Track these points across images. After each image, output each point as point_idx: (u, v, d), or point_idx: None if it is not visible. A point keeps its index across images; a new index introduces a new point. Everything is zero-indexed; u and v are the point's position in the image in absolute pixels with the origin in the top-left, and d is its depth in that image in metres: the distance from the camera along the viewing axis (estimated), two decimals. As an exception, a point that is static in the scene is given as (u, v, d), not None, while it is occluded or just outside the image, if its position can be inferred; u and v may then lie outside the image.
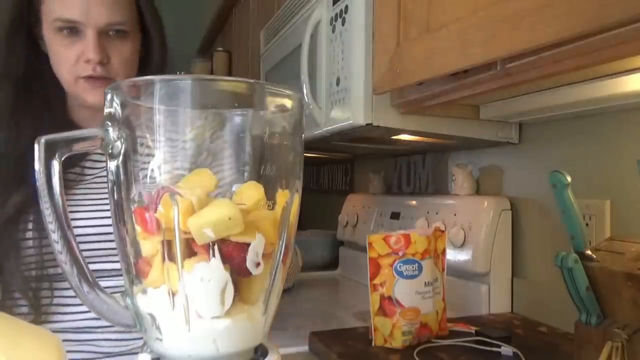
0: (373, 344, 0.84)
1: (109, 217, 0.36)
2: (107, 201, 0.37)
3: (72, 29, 0.79)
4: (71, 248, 0.34)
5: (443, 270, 0.92)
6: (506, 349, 0.78)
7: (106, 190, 0.37)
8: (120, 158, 0.34)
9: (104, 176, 0.50)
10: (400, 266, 0.84)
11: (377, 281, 0.86)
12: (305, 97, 1.05)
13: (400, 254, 0.85)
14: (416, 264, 0.85)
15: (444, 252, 0.92)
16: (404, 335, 0.83)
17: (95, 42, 0.79)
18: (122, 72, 0.83)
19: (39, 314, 0.78)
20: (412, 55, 0.78)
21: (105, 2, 0.80)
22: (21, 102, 0.83)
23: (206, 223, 0.32)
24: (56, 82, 0.84)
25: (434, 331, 0.87)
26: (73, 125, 0.88)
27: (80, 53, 0.80)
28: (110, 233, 0.36)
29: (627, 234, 0.80)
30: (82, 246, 0.37)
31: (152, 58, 0.90)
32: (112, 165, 0.35)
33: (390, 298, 0.84)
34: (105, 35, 0.81)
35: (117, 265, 0.37)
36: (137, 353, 0.37)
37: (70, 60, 0.80)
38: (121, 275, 0.36)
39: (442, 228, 1.02)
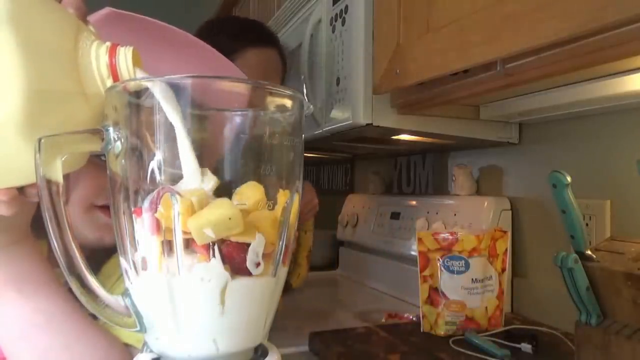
0: (422, 329, 0.92)
1: None
2: None
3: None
4: (69, 253, 0.33)
5: (503, 270, 0.94)
6: (525, 346, 0.82)
7: None
8: (120, 158, 0.34)
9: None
10: (447, 261, 0.90)
11: (426, 273, 0.92)
12: (305, 97, 1.05)
13: (448, 250, 0.91)
14: (463, 261, 0.90)
15: (505, 252, 0.94)
16: (447, 324, 0.89)
17: None
18: None
19: None
20: (412, 55, 0.78)
21: None
22: None
23: (206, 223, 0.32)
24: None
25: (482, 326, 0.90)
26: None
27: None
28: None
29: (627, 234, 0.80)
30: None
31: None
32: (112, 165, 0.35)
33: (436, 289, 0.91)
34: None
35: None
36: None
37: None
38: None
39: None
